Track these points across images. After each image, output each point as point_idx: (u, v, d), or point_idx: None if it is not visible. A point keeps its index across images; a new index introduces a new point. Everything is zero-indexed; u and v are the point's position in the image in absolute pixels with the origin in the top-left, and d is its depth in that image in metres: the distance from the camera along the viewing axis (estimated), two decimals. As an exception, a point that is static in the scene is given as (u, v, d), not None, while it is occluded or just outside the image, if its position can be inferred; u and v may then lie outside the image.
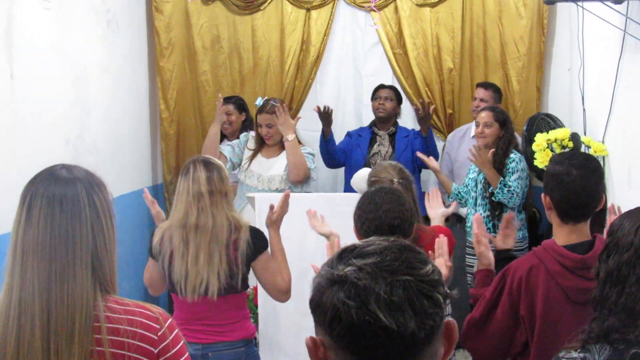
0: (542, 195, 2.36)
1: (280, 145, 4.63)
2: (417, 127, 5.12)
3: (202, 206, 2.84)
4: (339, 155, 5.10)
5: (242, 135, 4.85)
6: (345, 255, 1.09)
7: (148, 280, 3.10)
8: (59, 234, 1.64)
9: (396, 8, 5.38)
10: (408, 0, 5.36)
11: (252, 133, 4.83)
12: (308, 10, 5.43)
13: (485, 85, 5.07)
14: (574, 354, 1.63)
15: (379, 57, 5.51)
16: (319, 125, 5.50)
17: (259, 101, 4.69)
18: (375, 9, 5.35)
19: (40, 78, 3.60)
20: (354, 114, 5.59)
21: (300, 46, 5.43)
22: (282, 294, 2.99)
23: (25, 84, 3.41)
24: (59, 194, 1.67)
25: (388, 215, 2.53)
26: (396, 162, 3.27)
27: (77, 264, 1.64)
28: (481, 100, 4.97)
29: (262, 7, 5.43)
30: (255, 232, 2.95)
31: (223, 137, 5.13)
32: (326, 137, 4.99)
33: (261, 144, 4.72)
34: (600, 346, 1.61)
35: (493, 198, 4.28)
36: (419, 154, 4.73)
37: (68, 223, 1.65)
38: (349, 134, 5.28)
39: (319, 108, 4.90)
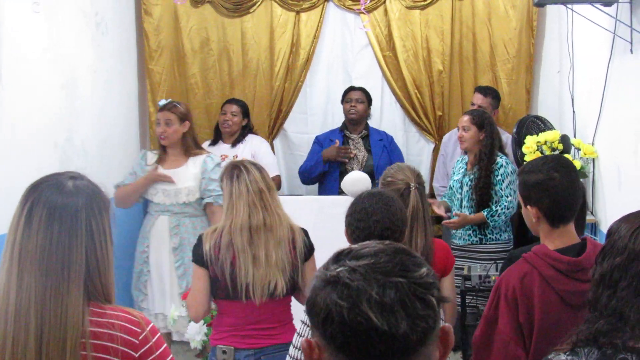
0: (527, 208, 2.31)
1: (183, 153, 4.31)
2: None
3: (266, 204, 2.83)
4: (318, 178, 5.13)
5: (140, 155, 4.57)
6: (340, 257, 1.10)
7: (193, 298, 2.88)
8: (56, 249, 1.66)
9: (386, 10, 5.39)
10: (397, 2, 5.37)
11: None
12: (297, 12, 5.42)
13: (485, 91, 4.99)
14: (562, 357, 1.61)
15: (368, 59, 5.52)
16: (308, 128, 5.52)
17: (162, 102, 4.40)
18: (364, 11, 5.35)
19: (30, 81, 3.59)
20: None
21: (289, 49, 5.43)
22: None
23: (15, 86, 3.39)
24: (60, 207, 1.68)
25: (378, 225, 2.51)
26: (414, 167, 3.16)
27: (71, 281, 1.66)
28: (479, 107, 4.87)
29: (251, 10, 5.42)
30: (307, 234, 2.96)
31: (220, 137, 5.11)
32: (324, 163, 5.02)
33: (162, 153, 4.36)
34: (588, 350, 1.59)
35: (489, 224, 4.30)
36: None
37: (65, 240, 1.67)
38: (317, 141, 5.22)
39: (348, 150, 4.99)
